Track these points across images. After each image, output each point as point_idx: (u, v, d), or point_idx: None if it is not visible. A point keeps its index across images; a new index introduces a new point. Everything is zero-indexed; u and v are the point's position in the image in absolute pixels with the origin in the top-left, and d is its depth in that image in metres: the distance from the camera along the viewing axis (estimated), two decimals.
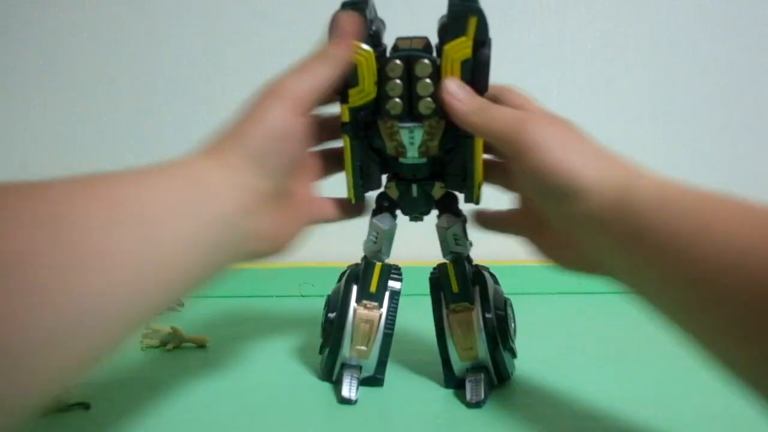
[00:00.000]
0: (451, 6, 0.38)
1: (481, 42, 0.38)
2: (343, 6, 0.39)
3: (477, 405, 0.43)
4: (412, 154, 0.42)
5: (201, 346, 0.57)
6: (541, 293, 0.79)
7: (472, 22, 0.37)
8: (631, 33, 0.85)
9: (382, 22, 0.42)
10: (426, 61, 0.39)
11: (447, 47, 0.38)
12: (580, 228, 0.35)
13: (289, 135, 0.36)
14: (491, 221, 0.45)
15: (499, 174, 0.44)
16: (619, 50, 0.85)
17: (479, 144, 0.41)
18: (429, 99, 0.40)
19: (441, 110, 0.39)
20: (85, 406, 0.43)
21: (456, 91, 0.38)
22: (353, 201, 0.44)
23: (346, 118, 0.41)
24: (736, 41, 0.85)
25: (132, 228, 0.27)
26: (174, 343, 0.56)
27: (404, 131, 0.41)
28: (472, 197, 0.43)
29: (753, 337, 0.25)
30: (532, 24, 0.84)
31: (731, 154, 0.87)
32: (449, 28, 0.38)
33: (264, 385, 0.48)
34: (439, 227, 0.46)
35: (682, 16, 0.85)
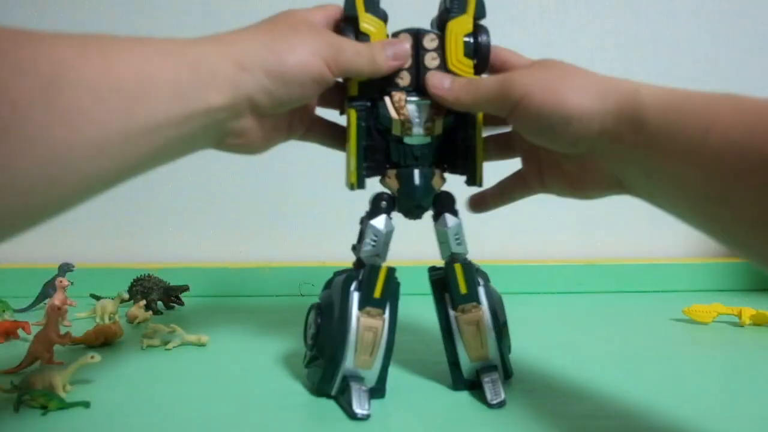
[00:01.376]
0: None
1: (480, 17, 0.43)
2: None
3: (499, 405, 0.42)
4: (418, 131, 0.43)
5: (201, 345, 0.57)
6: (540, 293, 0.80)
7: (472, 2, 0.42)
8: (631, 33, 0.85)
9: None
10: (433, 34, 0.43)
11: (450, 23, 0.42)
12: (592, 150, 0.36)
13: (314, 80, 0.38)
14: (490, 198, 0.47)
15: (494, 149, 0.47)
16: (619, 50, 0.85)
17: (480, 123, 0.44)
18: (435, 71, 0.42)
19: None
20: (85, 405, 0.43)
21: (438, 81, 0.41)
22: (354, 186, 0.44)
23: (354, 91, 0.43)
24: (736, 41, 0.85)
25: (121, 98, 0.29)
26: (174, 343, 0.56)
27: (412, 105, 0.42)
28: (475, 178, 0.44)
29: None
30: (532, 24, 0.84)
31: None
32: (452, 8, 0.42)
33: (262, 389, 0.48)
34: (438, 228, 0.45)
35: (682, 16, 0.85)
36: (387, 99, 0.42)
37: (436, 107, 0.42)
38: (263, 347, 0.56)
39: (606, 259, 0.83)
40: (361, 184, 0.44)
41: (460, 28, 0.42)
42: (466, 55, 0.42)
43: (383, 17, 0.43)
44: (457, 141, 0.44)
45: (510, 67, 0.42)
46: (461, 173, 0.45)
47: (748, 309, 0.64)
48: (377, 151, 0.44)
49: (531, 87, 0.37)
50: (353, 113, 0.43)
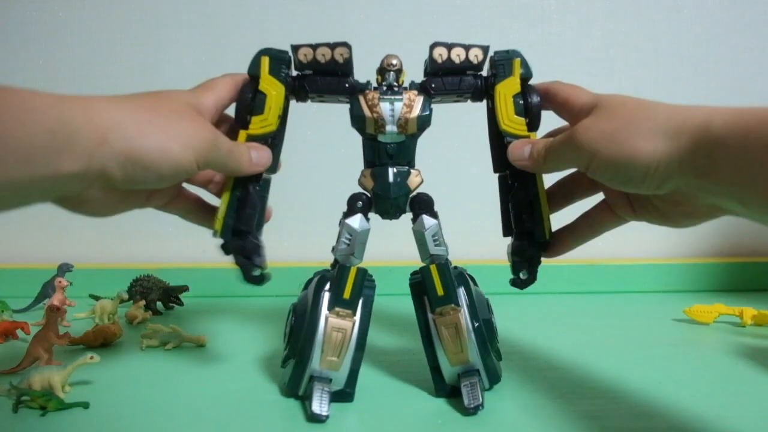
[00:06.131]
0: (495, 54, 0.45)
1: (527, 78, 0.44)
2: (264, 52, 0.44)
3: (475, 410, 0.42)
4: (391, 129, 0.43)
5: (200, 345, 0.57)
6: (540, 293, 0.79)
7: (517, 63, 0.44)
8: (632, 33, 0.85)
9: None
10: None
11: (498, 87, 0.44)
12: (679, 188, 0.35)
13: (177, 172, 0.36)
14: (575, 236, 0.45)
15: (561, 197, 0.46)
16: (620, 50, 0.85)
17: (540, 179, 0.44)
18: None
19: (418, 85, 0.44)
20: (84, 406, 0.42)
21: (518, 153, 0.42)
22: (218, 234, 0.43)
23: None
24: (736, 41, 0.85)
25: None
26: (173, 343, 0.56)
27: (385, 103, 0.43)
28: (544, 233, 0.43)
29: None
30: (533, 24, 0.84)
31: None
32: (497, 73, 0.44)
33: (261, 389, 0.48)
34: (416, 230, 0.45)
35: (682, 16, 0.85)
36: (360, 97, 0.43)
37: (408, 105, 0.43)
38: (262, 347, 0.56)
39: (606, 259, 0.82)
40: (225, 236, 0.44)
41: (507, 89, 0.44)
42: (518, 114, 0.43)
43: (284, 82, 0.44)
44: (520, 199, 0.44)
45: (572, 105, 0.41)
46: (529, 229, 0.44)
47: (750, 309, 0.64)
48: (257, 206, 0.44)
49: (597, 144, 0.36)
50: None
